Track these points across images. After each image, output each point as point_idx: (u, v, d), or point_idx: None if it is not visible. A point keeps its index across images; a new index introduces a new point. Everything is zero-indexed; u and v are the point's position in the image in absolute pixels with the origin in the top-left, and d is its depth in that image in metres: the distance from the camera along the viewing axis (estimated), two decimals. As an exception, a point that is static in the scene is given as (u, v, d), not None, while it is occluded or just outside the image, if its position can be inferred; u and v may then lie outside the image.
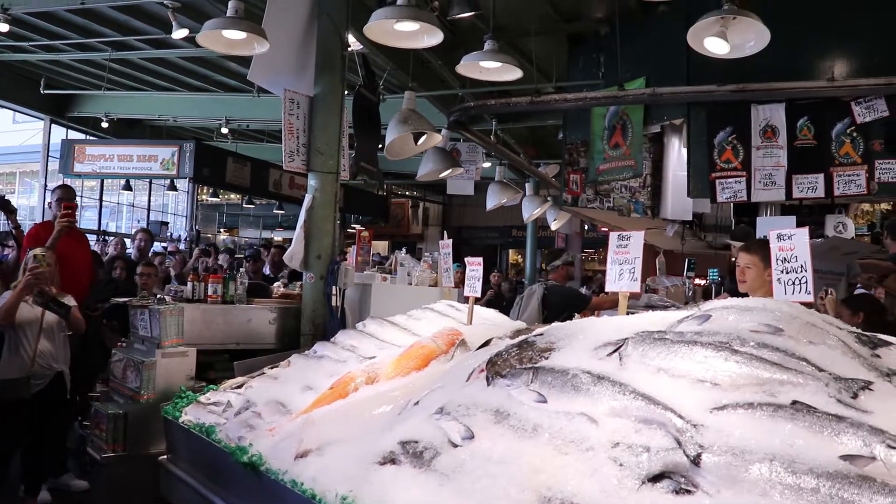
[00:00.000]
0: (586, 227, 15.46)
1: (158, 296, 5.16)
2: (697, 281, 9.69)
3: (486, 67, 5.48)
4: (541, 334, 2.77)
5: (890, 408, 2.04)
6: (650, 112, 7.34)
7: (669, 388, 2.20)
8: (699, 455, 1.91)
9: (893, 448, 1.80)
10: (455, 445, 2.31)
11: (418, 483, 2.24)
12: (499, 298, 11.11)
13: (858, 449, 1.83)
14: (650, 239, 10.60)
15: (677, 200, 7.56)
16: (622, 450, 2.01)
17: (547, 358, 2.55)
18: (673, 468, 1.90)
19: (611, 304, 6.46)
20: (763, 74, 5.99)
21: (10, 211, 6.41)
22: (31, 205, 16.38)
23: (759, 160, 6.37)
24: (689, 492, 1.85)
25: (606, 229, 10.99)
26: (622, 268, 3.30)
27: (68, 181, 13.26)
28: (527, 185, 11.46)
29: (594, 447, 2.05)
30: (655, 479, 1.90)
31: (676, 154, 7.50)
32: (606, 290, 3.56)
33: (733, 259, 9.21)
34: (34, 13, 9.16)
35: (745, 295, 3.99)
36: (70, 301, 5.22)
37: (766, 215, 7.60)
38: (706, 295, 8.59)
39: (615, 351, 2.45)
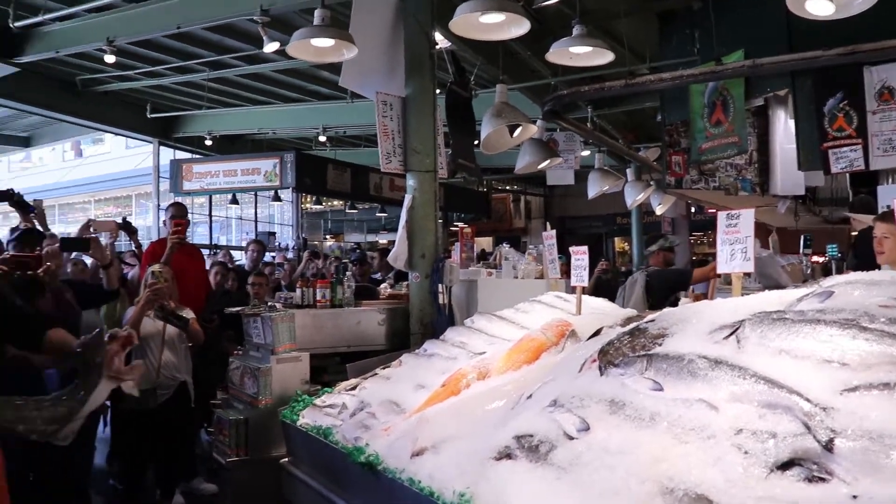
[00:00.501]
0: (692, 210, 15.04)
1: (269, 303, 5.29)
2: (815, 258, 9.26)
3: (577, 53, 5.39)
4: (652, 320, 2.69)
5: None
6: (751, 85, 7.03)
7: (793, 370, 2.09)
8: (831, 440, 1.80)
9: None
10: (571, 438, 2.26)
11: (535, 477, 2.21)
12: (604, 287, 10.92)
13: None
14: (761, 217, 10.19)
15: (787, 175, 7.22)
16: (746, 436, 1.92)
17: (660, 344, 2.48)
18: (803, 454, 1.81)
19: (711, 271, 6.23)
20: (875, 33, 5.63)
21: (132, 231, 6.73)
22: (147, 224, 17.13)
23: (876, 125, 6.00)
24: (822, 479, 1.75)
25: (714, 210, 10.66)
26: (733, 248, 3.19)
27: (179, 199, 13.82)
28: (628, 170, 11.25)
29: (716, 434, 1.97)
30: (784, 466, 1.80)
31: (783, 126, 7.17)
32: (718, 272, 3.44)
33: (854, 233, 8.79)
34: (136, 42, 9.55)
35: (877, 267, 3.79)
36: (188, 314, 5.44)
37: (886, 184, 7.21)
38: (825, 272, 8.19)
39: (732, 334, 2.35)
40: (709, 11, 7.06)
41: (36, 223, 5.62)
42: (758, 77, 6.84)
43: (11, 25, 8.80)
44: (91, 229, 5.68)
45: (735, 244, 3.18)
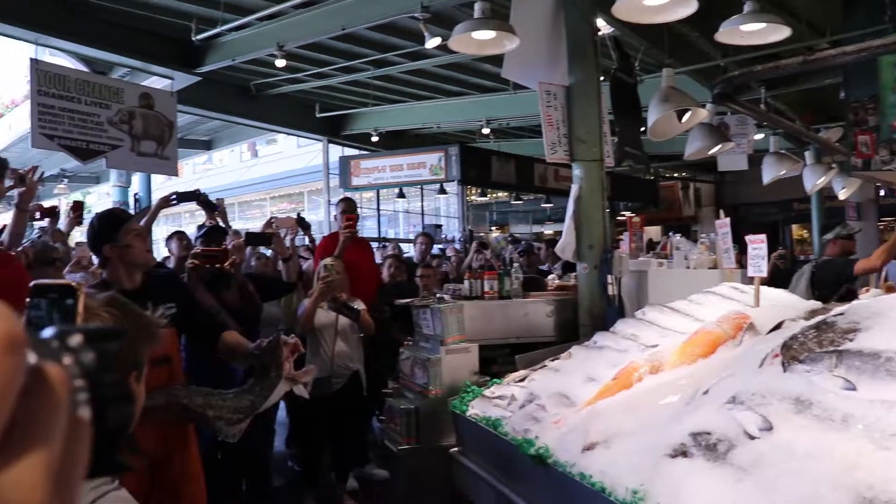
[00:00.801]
0: (882, 193, 13.97)
1: (438, 295, 5.38)
2: None
3: (749, 31, 5.13)
4: (842, 314, 2.51)
5: None
6: (951, 54, 6.45)
7: None
8: None
9: None
10: (752, 437, 2.15)
11: (713, 477, 2.12)
12: (781, 276, 10.35)
13: None
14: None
15: None
16: (956, 442, 1.76)
17: (851, 340, 2.31)
18: None
19: (878, 260, 5.73)
20: None
21: (306, 227, 7.05)
22: (318, 219, 17.85)
23: None
24: None
25: (906, 192, 9.86)
26: (933, 233, 2.92)
27: (348, 194, 14.31)
28: (806, 153, 10.59)
29: (921, 440, 1.81)
30: None
31: None
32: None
33: None
34: (304, 45, 9.96)
35: None
36: (359, 305, 5.63)
37: None
38: None
39: (936, 328, 2.16)
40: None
41: (219, 220, 5.99)
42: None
43: (193, 39, 9.42)
44: (273, 226, 5.99)
45: (935, 230, 2.91)
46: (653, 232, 17.47)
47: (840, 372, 2.15)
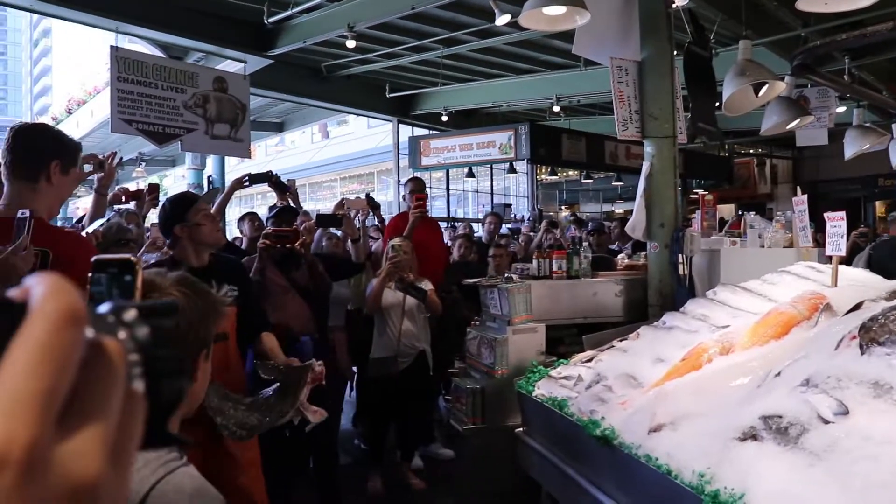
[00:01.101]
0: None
1: (506, 275, 5.35)
2: None
3: (833, -3, 4.92)
4: (924, 294, 2.40)
5: None
6: None
7: None
8: None
9: None
10: (826, 422, 2.08)
11: (784, 462, 2.06)
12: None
13: None
14: None
15: None
16: None
17: (935, 321, 2.21)
18: None
19: None
20: None
21: (375, 207, 7.08)
22: (388, 200, 17.98)
23: None
24: None
25: None
26: None
27: (418, 174, 14.37)
28: (894, 125, 10.17)
29: None
30: None
31: None
32: None
33: None
34: (374, 26, 10.00)
35: None
36: (426, 285, 5.65)
37: None
38: None
39: None
40: None
41: (291, 201, 6.07)
42: None
43: (265, 22, 9.55)
44: (345, 207, 6.05)
45: None
46: (726, 210, 17.06)
47: (922, 355, 2.05)
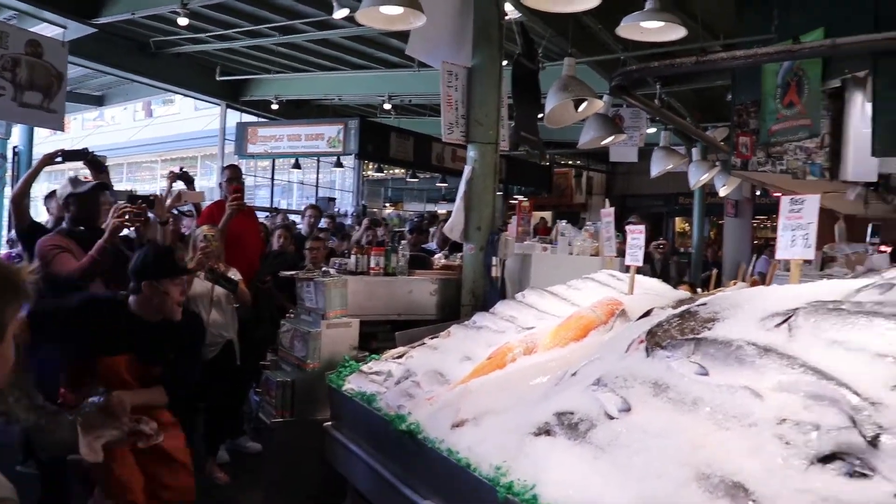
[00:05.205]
0: (758, 193, 14.70)
1: (324, 269, 5.35)
2: (882, 248, 8.96)
3: (648, 28, 5.28)
4: (704, 304, 2.64)
5: None
6: (829, 65, 6.78)
7: (844, 362, 2.03)
8: (877, 436, 1.75)
9: None
10: (611, 418, 2.25)
11: (573, 455, 2.21)
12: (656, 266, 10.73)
13: None
14: (828, 203, 9.87)
15: (860, 160, 6.96)
16: (789, 427, 1.89)
17: (710, 329, 2.44)
18: (846, 449, 1.76)
19: None
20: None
21: (188, 181, 6.72)
22: (210, 186, 17.45)
23: (959, 113, 5.77)
24: (864, 475, 1.71)
25: (779, 194, 10.37)
26: (794, 234, 3.10)
27: (240, 161, 14.03)
28: (693, 150, 11.02)
29: (758, 423, 1.93)
30: (826, 459, 1.76)
31: (859, 110, 6.90)
32: (777, 257, 3.36)
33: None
34: (209, 5, 9.69)
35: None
36: (236, 275, 5.57)
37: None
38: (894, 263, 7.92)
39: (784, 322, 2.30)
40: (790, -13, 6.83)
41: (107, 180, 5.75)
42: (837, 58, 6.60)
43: (91, -15, 9.03)
44: (183, 200, 5.82)
45: (797, 230, 3.09)
46: (548, 216, 17.85)
47: (696, 358, 2.26)
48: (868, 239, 8.85)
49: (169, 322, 3.73)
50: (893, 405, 1.84)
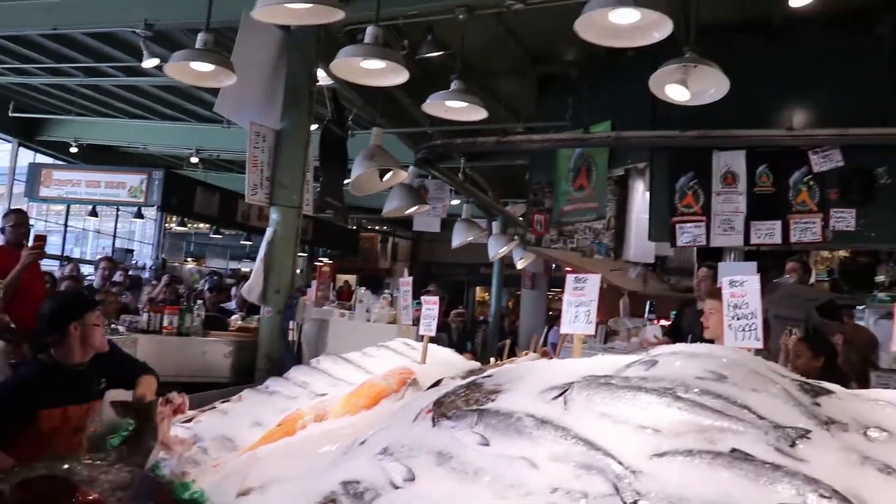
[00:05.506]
0: (553, 266, 15.52)
1: (113, 326, 5.09)
2: (660, 322, 9.73)
3: (452, 107, 5.51)
4: (490, 375, 2.76)
5: (825, 457, 2.05)
6: (615, 155, 7.42)
7: (612, 433, 2.19)
8: (636, 502, 1.90)
9: (825, 498, 1.81)
10: (396, 487, 2.28)
11: (356, 525, 2.21)
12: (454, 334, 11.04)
13: (792, 498, 1.83)
14: (615, 280, 10.64)
15: (640, 243, 7.61)
16: (560, 495, 1.99)
17: (493, 400, 2.54)
18: (609, 514, 1.89)
19: None
20: (725, 122, 6.13)
21: None
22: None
23: (719, 206, 6.47)
24: (623, 540, 1.84)
25: (570, 270, 11.02)
26: (577, 310, 3.31)
27: (33, 205, 13.14)
28: (494, 223, 11.51)
29: (533, 492, 2.03)
30: (592, 526, 1.89)
31: (640, 197, 7.56)
32: (562, 332, 3.56)
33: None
34: (6, 36, 9.11)
35: (709, 340, 4.02)
36: None
37: (729, 260, 7.69)
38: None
39: (561, 395, 2.44)
40: (583, 82, 7.41)
41: None
42: (621, 148, 7.22)
43: None
44: None
45: (580, 306, 3.30)
46: (351, 280, 17.89)
47: (479, 429, 2.35)
48: (646, 314, 9.57)
49: (98, 355, 3.77)
50: (650, 473, 1.99)
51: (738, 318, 3.01)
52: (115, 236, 17.57)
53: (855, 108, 6.04)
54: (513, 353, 6.51)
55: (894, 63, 4.86)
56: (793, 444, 2.08)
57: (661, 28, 3.85)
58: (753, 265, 6.37)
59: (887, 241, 6.46)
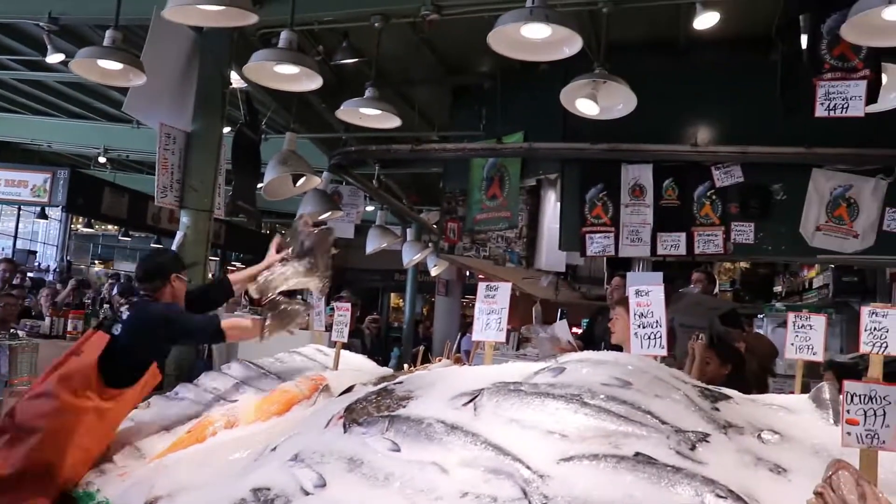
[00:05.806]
0: (468, 273, 15.66)
1: (13, 330, 4.91)
2: (574, 330, 9.94)
3: (366, 114, 5.52)
4: (401, 382, 2.79)
5: (723, 458, 2.17)
6: (527, 166, 7.55)
7: (520, 439, 2.26)
8: (542, 505, 1.96)
9: (721, 498, 1.91)
10: (307, 493, 2.29)
11: (267, 532, 2.21)
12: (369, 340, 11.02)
13: (691, 499, 1.93)
14: (527, 288, 10.83)
15: (551, 252, 7.77)
16: (470, 499, 2.04)
17: (404, 406, 2.58)
18: (518, 518, 1.95)
19: None
20: (633, 136, 6.33)
21: None
22: None
23: (627, 217, 6.67)
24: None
25: (483, 277, 11.17)
26: (489, 318, 3.37)
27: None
28: (408, 230, 11.54)
29: (443, 497, 2.07)
30: (498, 529, 1.94)
31: (552, 207, 7.72)
32: (473, 339, 3.62)
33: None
34: None
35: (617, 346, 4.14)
36: None
37: (637, 270, 7.91)
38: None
39: (471, 401, 2.50)
40: (497, 93, 7.52)
41: None
42: (533, 159, 7.36)
43: None
44: None
45: (491, 314, 3.37)
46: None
47: (390, 435, 2.38)
48: (557, 321, 9.74)
49: None
50: (557, 477, 2.06)
51: (644, 327, 3.12)
52: (15, 237, 16.88)
53: (753, 128, 6.34)
54: (427, 360, 6.56)
55: (785, 89, 5.12)
56: (693, 448, 2.19)
57: (571, 44, 3.98)
58: (660, 275, 6.58)
59: (782, 254, 6.77)
